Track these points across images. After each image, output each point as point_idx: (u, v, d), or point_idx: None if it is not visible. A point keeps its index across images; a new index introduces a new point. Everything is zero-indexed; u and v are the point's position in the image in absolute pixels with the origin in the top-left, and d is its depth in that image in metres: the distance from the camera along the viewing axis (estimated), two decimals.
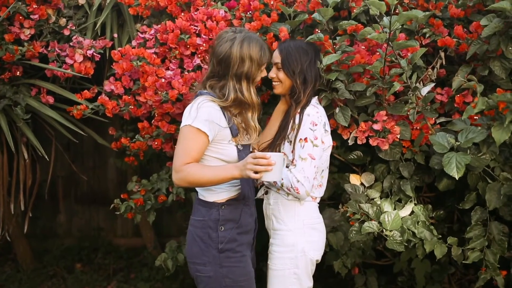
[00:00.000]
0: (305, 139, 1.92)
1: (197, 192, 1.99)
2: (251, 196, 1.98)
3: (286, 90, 2.05)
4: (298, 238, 1.97)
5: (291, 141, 1.97)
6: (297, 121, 1.96)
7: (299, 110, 1.98)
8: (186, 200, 2.62)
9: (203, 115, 1.82)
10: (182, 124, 1.86)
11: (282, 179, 1.92)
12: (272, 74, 2.06)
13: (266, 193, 2.08)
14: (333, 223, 2.37)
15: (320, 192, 2.06)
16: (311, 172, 1.92)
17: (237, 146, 1.91)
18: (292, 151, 1.95)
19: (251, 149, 1.99)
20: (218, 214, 1.89)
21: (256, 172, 1.71)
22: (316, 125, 1.94)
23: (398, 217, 2.12)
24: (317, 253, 2.01)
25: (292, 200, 1.99)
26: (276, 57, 2.05)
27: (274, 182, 1.94)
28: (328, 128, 2.02)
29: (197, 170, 1.82)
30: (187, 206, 2.80)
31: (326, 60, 2.07)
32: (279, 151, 1.99)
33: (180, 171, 1.82)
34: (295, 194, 1.92)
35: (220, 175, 1.81)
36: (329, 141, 2.03)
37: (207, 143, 1.85)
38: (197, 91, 1.95)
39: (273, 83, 2.07)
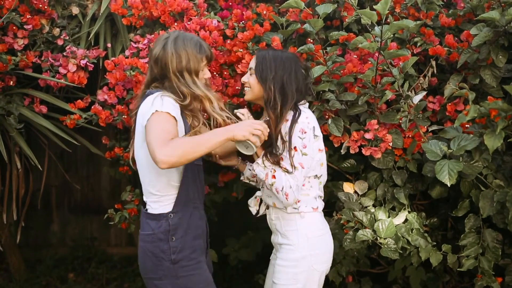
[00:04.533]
0: (294, 148, 1.84)
1: (144, 205, 1.90)
2: (198, 197, 1.90)
3: (255, 97, 1.96)
4: (303, 253, 1.90)
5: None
6: (287, 129, 1.87)
7: (281, 127, 1.87)
8: None
9: (169, 103, 1.74)
10: (147, 115, 1.71)
11: (274, 177, 1.84)
12: (245, 79, 1.99)
13: (267, 207, 2.04)
14: None
15: (322, 203, 2.00)
16: (301, 181, 1.87)
17: None
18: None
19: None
20: (168, 224, 1.80)
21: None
22: (305, 132, 1.86)
23: (392, 225, 2.12)
24: (325, 265, 1.96)
25: (292, 213, 1.92)
26: (252, 63, 1.98)
27: (263, 179, 1.87)
28: (319, 133, 1.93)
29: (187, 138, 1.69)
30: None
31: (314, 73, 2.07)
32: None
33: (166, 145, 1.62)
34: (283, 198, 1.84)
35: (217, 137, 1.69)
36: (320, 146, 1.94)
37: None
38: (143, 92, 1.87)
39: (244, 88, 2.01)
